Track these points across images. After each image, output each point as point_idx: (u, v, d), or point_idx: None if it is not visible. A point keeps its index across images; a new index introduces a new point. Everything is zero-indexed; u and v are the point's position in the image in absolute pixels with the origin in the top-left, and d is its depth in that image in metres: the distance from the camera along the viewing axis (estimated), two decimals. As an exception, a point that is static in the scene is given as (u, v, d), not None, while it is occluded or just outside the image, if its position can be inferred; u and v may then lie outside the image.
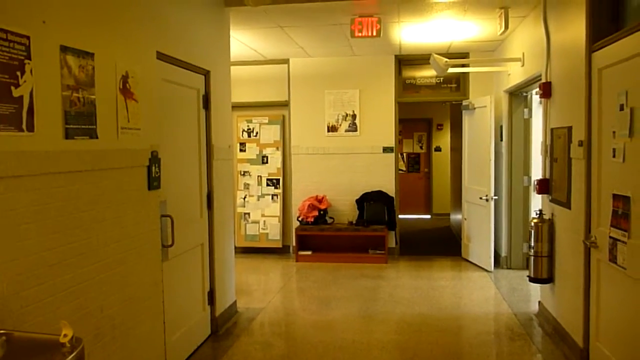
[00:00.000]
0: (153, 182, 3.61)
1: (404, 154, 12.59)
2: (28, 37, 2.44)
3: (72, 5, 2.81)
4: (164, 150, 3.77)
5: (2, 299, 2.30)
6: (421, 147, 12.65)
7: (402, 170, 12.19)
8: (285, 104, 8.25)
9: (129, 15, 3.40)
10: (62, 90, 2.67)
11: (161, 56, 3.80)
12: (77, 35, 2.81)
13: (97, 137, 2.97)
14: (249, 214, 8.30)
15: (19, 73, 2.38)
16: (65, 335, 2.05)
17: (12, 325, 2.29)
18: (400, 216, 8.52)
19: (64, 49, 2.69)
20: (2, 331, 2.15)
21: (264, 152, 8.31)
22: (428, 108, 11.77)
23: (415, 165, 12.66)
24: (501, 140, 7.20)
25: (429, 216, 12.45)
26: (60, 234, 2.69)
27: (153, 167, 3.59)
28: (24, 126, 2.40)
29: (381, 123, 8.05)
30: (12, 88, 2.34)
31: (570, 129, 4.28)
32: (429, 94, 8.17)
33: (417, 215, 12.40)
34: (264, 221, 8.27)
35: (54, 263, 2.64)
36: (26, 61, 2.42)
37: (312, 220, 7.85)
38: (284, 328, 5.26)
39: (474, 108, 7.55)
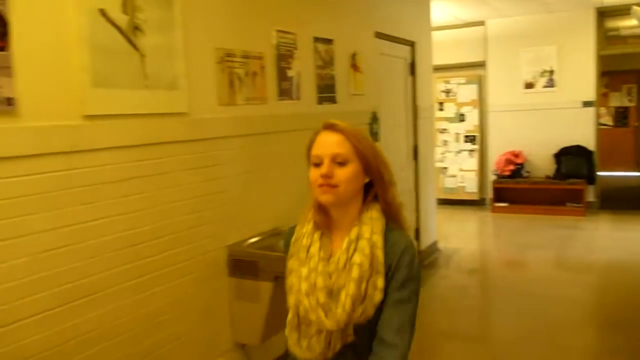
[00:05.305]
0: (374, 137, 4.59)
1: (611, 108, 12.00)
2: (294, 34, 3.50)
3: (319, 7, 3.84)
4: (380, 111, 4.71)
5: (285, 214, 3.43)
6: (630, 100, 11.93)
7: (607, 125, 11.68)
8: (481, 64, 8.67)
9: (355, 7, 4.36)
10: (315, 69, 3.73)
11: (378, 35, 4.72)
12: (323, 27, 3.85)
13: (336, 102, 4.01)
14: (446, 168, 9.00)
15: (290, 60, 3.46)
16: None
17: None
18: (603, 173, 8.42)
19: (315, 39, 3.73)
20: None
21: (461, 111, 8.89)
22: (638, 58, 11.02)
23: (623, 120, 12.01)
24: None
25: (639, 173, 11.79)
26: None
27: (374, 125, 4.56)
28: (294, 96, 3.50)
29: (580, 77, 8.02)
30: (287, 71, 3.44)
31: None
32: (636, 44, 7.90)
33: (624, 173, 11.82)
34: (462, 175, 8.91)
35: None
36: (294, 51, 3.50)
37: (509, 173, 8.26)
38: (479, 264, 5.99)
39: (687, 56, 7.20)
